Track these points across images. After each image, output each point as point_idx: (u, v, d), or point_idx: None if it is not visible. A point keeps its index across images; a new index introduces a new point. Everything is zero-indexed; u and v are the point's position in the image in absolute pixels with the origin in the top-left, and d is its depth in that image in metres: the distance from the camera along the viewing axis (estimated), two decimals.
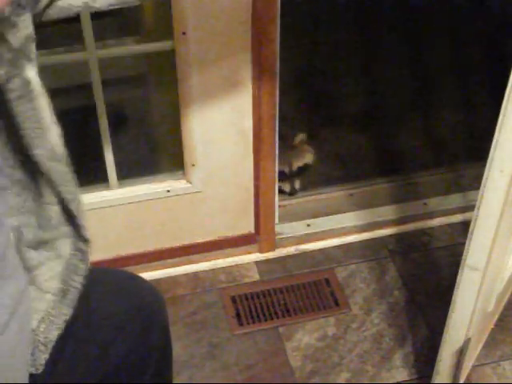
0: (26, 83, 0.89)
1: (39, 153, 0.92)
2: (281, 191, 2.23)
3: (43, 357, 1.02)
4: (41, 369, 1.02)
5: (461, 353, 1.62)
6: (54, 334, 1.03)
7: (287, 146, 2.29)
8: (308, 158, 2.37)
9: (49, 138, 0.93)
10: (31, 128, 0.90)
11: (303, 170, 2.34)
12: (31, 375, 1.02)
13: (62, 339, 1.05)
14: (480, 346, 1.86)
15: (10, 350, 0.90)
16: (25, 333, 0.94)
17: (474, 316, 1.54)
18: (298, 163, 2.32)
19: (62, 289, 1.02)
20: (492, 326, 1.92)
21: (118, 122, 2.24)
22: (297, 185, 2.31)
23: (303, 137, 2.36)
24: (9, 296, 0.88)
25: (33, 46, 0.91)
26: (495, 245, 1.42)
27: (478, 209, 1.36)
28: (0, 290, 0.87)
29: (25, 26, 0.88)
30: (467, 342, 1.60)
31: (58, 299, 1.02)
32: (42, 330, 1.01)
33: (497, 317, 1.94)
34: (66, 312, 1.03)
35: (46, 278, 1.01)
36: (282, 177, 2.24)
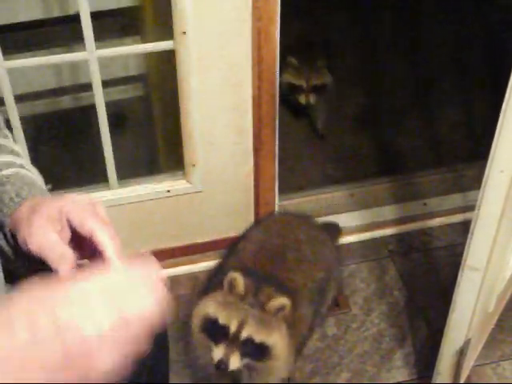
0: None
1: None
2: (293, 105, 2.57)
3: None
4: None
5: (461, 353, 1.62)
6: None
7: (307, 65, 2.54)
8: (326, 78, 2.59)
9: None
10: None
11: (319, 88, 2.56)
12: None
13: None
14: (480, 346, 1.86)
15: None
16: None
17: (475, 316, 1.54)
18: (316, 81, 2.55)
19: None
20: (492, 326, 1.92)
21: (118, 122, 2.24)
22: (311, 99, 2.55)
23: (323, 62, 2.57)
24: None
25: None
26: (496, 245, 1.42)
27: (479, 209, 1.37)
28: None
29: None
30: (467, 342, 1.60)
31: None
32: None
33: (497, 317, 1.94)
34: None
35: None
36: (299, 91, 2.55)
